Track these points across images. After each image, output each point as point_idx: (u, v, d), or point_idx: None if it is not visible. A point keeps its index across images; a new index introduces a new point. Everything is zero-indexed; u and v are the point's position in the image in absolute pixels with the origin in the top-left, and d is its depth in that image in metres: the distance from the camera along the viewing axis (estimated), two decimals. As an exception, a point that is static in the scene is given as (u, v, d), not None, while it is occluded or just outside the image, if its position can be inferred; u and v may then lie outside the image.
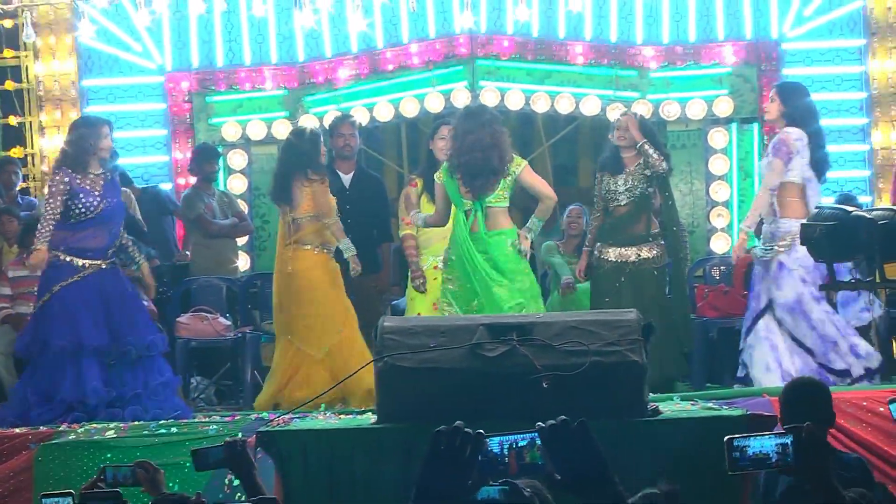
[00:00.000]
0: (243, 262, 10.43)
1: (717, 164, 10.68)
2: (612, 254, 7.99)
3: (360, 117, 10.17)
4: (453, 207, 7.32)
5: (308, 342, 7.83)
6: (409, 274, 8.18)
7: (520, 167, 7.19)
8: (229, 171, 10.78)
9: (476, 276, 7.08)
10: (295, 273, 7.88)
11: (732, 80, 10.65)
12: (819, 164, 7.47)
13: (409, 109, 10.62)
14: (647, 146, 7.90)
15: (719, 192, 10.67)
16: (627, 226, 8.00)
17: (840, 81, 10.86)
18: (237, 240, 10.23)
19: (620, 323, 5.22)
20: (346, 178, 8.93)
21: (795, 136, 7.38)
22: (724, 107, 10.63)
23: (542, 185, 7.35)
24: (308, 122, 10.31)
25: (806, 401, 4.73)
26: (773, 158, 7.40)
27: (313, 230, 7.93)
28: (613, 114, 10.15)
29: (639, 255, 7.95)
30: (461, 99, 10.40)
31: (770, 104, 7.68)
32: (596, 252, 8.09)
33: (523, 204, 8.33)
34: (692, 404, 5.96)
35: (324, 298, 7.91)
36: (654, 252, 7.98)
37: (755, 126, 10.68)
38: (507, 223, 7.23)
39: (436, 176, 7.37)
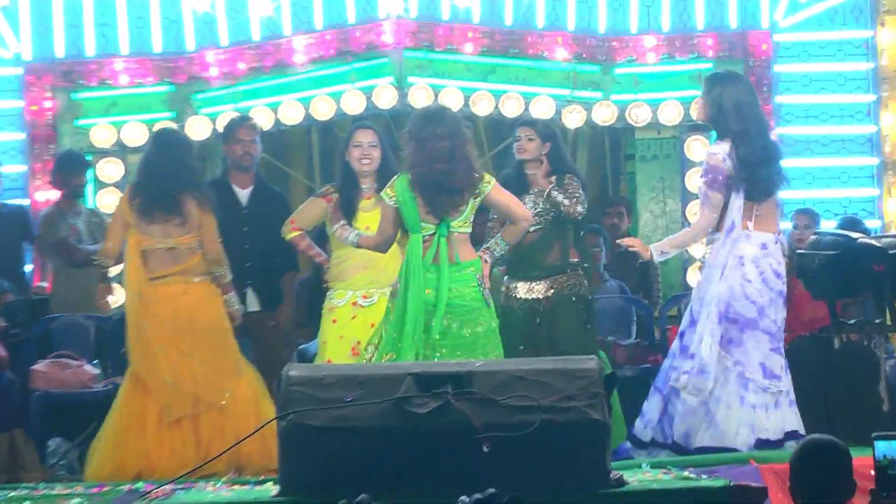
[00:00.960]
0: (116, 297, 10.29)
1: (696, 180, 10.67)
2: (522, 289, 7.94)
3: (262, 120, 10.13)
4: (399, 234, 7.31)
5: (206, 390, 7.84)
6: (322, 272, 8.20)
7: (489, 185, 7.17)
8: (100, 185, 10.65)
9: (434, 317, 7.02)
10: (190, 308, 7.91)
11: (714, 79, 10.70)
12: (761, 185, 7.42)
13: (322, 110, 10.56)
14: (554, 192, 7.86)
15: (698, 213, 10.69)
16: (537, 257, 7.93)
17: (844, 81, 10.97)
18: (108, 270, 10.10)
19: (579, 373, 5.21)
20: (244, 194, 8.92)
21: (713, 151, 7.46)
22: (704, 110, 10.68)
23: (516, 205, 7.35)
24: (198, 124, 10.24)
25: (822, 466, 4.72)
26: (709, 192, 7.42)
27: (200, 258, 7.97)
28: (571, 117, 10.21)
29: (552, 289, 7.90)
30: (386, 98, 10.38)
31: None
32: (504, 288, 8.01)
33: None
34: (665, 472, 5.96)
35: (227, 339, 8.01)
36: (573, 280, 7.91)
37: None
38: (471, 253, 7.23)
39: (384, 193, 7.27)
